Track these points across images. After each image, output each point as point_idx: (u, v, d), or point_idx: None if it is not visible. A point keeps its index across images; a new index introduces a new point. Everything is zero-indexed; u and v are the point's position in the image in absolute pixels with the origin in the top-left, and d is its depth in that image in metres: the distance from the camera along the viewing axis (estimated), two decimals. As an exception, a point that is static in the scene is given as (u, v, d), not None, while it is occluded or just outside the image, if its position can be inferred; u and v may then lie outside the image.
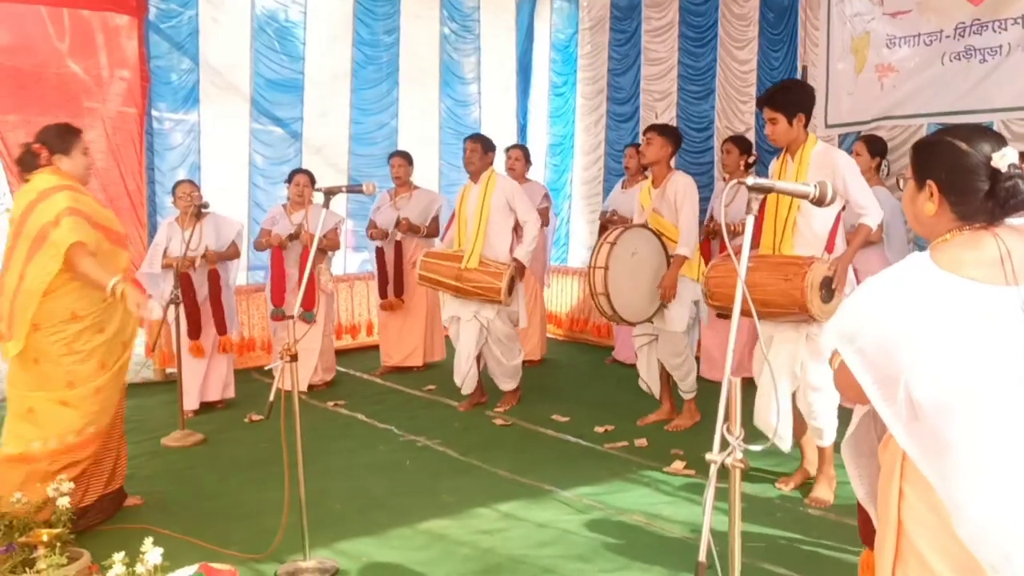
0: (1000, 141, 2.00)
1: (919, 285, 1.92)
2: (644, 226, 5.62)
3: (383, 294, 7.47)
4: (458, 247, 6.17)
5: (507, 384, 6.38)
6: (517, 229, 6.27)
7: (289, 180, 6.91)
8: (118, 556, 2.73)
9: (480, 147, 6.15)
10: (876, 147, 5.93)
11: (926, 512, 1.95)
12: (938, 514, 1.93)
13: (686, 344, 5.60)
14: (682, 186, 5.45)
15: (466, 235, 6.11)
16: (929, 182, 2.03)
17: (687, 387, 5.71)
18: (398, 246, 7.39)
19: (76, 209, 4.01)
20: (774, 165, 4.64)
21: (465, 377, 6.23)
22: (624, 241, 5.43)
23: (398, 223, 7.27)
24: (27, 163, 4.17)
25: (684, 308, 5.52)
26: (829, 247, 4.35)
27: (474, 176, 6.18)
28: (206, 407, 6.32)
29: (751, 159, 6.50)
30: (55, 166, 4.15)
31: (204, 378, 6.31)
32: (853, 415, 2.33)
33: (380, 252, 7.45)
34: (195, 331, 6.13)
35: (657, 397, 5.92)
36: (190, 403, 6.19)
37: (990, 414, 1.87)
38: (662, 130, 5.66)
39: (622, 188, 7.59)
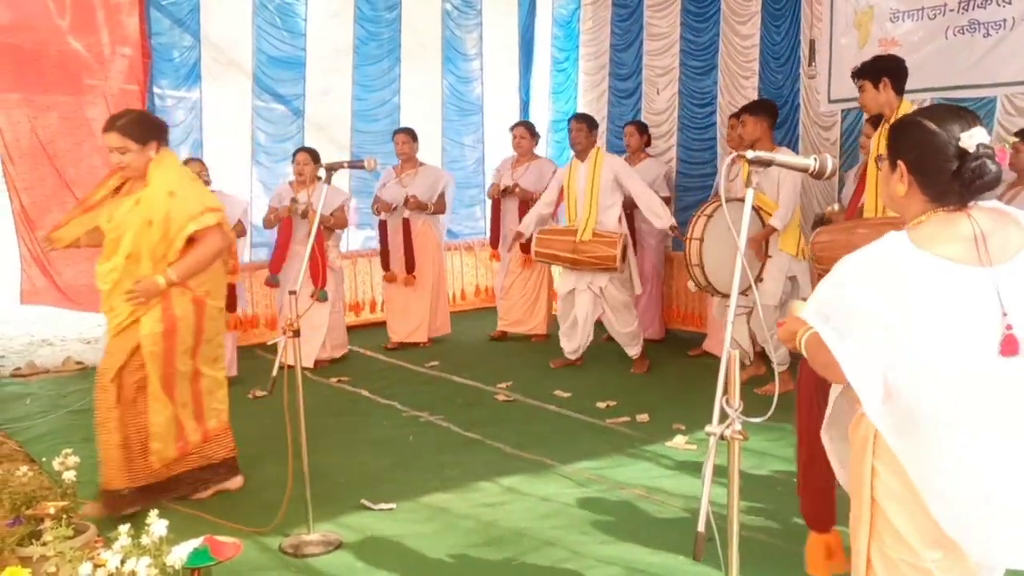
0: (972, 121, 1.98)
1: (894, 263, 1.93)
2: (742, 200, 5.68)
3: (386, 267, 7.53)
4: (569, 223, 6.57)
5: (632, 349, 6.70)
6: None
7: (293, 159, 6.92)
8: (123, 528, 2.76)
9: (586, 126, 6.58)
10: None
11: (899, 488, 1.99)
12: (911, 489, 1.96)
13: (777, 318, 5.68)
14: None
15: (576, 210, 6.51)
16: (899, 163, 2.04)
17: (779, 359, 5.72)
18: (406, 223, 7.42)
19: None
20: (875, 136, 4.77)
21: (580, 344, 6.70)
22: (721, 214, 5.60)
23: (407, 201, 7.30)
24: None
25: (778, 283, 5.74)
26: None
27: (581, 155, 6.57)
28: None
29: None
30: None
31: None
32: (829, 399, 2.33)
33: (383, 226, 7.48)
34: None
35: (748, 361, 6.01)
36: None
37: (960, 393, 1.88)
38: (753, 108, 5.91)
39: None
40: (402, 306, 7.63)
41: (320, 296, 6.61)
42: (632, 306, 6.69)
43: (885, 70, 4.52)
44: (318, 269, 6.54)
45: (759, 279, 5.72)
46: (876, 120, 6.40)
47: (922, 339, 1.87)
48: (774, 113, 5.96)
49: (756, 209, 5.75)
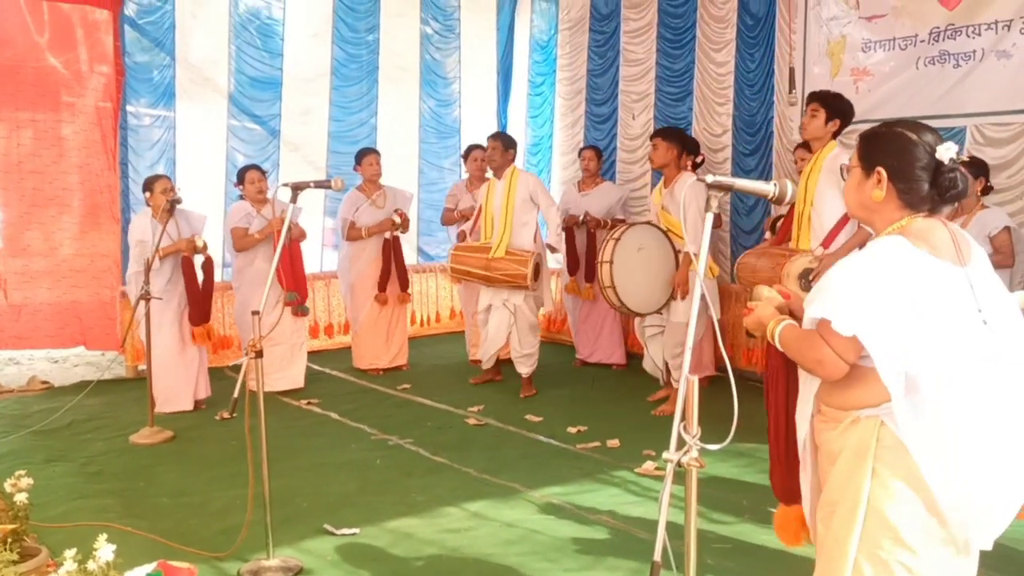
0: (939, 135, 2.15)
1: (906, 261, 2.05)
2: (648, 223, 6.06)
3: (383, 288, 7.37)
4: (485, 240, 6.64)
5: (524, 368, 6.71)
6: None
7: (240, 180, 6.70)
8: (69, 553, 2.70)
9: (501, 145, 6.65)
10: None
11: (902, 488, 2.06)
12: (915, 489, 2.04)
13: (685, 335, 5.80)
14: (689, 187, 5.76)
15: (492, 228, 6.61)
16: (879, 169, 2.16)
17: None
18: (396, 242, 7.39)
19: None
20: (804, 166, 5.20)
21: (492, 357, 6.87)
22: (628, 237, 5.89)
23: (403, 220, 7.30)
24: None
25: (689, 302, 5.84)
26: (826, 242, 4.82)
27: (497, 172, 6.67)
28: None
29: (699, 159, 6.61)
30: None
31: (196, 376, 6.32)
32: (798, 410, 2.33)
33: (387, 246, 7.34)
34: (200, 316, 6.16)
35: (663, 382, 6.28)
36: (184, 404, 6.21)
37: (970, 386, 2.00)
38: (665, 134, 6.06)
39: (579, 191, 7.63)
40: (385, 331, 7.49)
41: (302, 309, 6.65)
42: (537, 329, 6.78)
43: (841, 112, 4.88)
44: (288, 280, 6.49)
45: (673, 297, 5.92)
46: (807, 145, 6.67)
47: (931, 330, 2.00)
48: (685, 142, 6.15)
49: (666, 232, 5.98)
